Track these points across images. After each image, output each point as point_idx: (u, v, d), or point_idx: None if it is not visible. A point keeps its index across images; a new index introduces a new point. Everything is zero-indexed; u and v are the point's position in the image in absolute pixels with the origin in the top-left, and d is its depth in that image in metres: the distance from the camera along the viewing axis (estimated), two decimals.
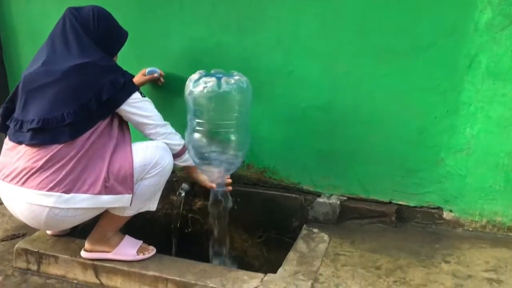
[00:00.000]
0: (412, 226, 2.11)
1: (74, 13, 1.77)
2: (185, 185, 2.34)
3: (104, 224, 1.85)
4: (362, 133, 2.08)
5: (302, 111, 2.14)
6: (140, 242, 1.90)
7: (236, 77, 1.96)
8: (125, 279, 1.80)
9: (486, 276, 1.72)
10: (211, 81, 1.93)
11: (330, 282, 1.70)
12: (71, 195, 1.64)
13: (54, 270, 1.90)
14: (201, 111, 1.98)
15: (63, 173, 1.63)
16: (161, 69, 2.31)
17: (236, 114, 1.99)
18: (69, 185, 1.64)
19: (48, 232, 2.02)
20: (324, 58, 2.05)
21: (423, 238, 2.01)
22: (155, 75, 2.27)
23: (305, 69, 2.09)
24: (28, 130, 1.66)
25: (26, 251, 1.93)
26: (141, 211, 1.85)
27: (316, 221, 2.17)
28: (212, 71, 2.06)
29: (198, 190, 2.32)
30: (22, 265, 1.94)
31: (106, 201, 1.69)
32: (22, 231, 2.19)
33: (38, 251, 1.91)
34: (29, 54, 2.03)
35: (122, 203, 1.72)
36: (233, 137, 2.02)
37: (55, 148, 1.64)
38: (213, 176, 2.05)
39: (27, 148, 1.67)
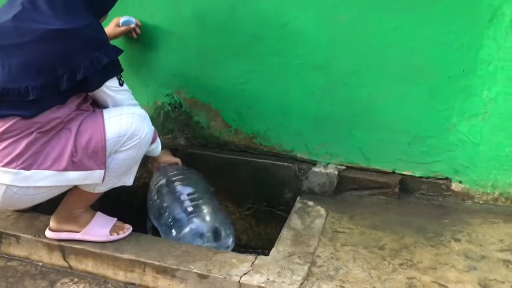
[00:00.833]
0: (417, 198, 2.02)
1: None
2: None
3: (71, 200, 1.68)
4: (364, 95, 1.95)
5: (296, 70, 2.00)
6: (114, 220, 1.75)
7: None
8: (96, 262, 1.67)
9: (501, 257, 1.61)
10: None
11: (329, 266, 1.57)
12: (32, 171, 1.47)
13: (16, 251, 1.79)
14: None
15: (22, 146, 1.46)
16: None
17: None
18: (29, 160, 1.46)
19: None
20: (323, 8, 1.89)
21: (430, 212, 1.91)
22: (131, 25, 2.06)
23: (301, 21, 1.93)
24: None
25: None
26: (115, 186, 1.68)
27: (311, 192, 2.08)
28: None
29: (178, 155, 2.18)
30: None
31: (74, 178, 1.53)
32: None
33: None
34: None
35: (92, 180, 1.56)
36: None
37: (13, 119, 1.45)
38: None
39: None
